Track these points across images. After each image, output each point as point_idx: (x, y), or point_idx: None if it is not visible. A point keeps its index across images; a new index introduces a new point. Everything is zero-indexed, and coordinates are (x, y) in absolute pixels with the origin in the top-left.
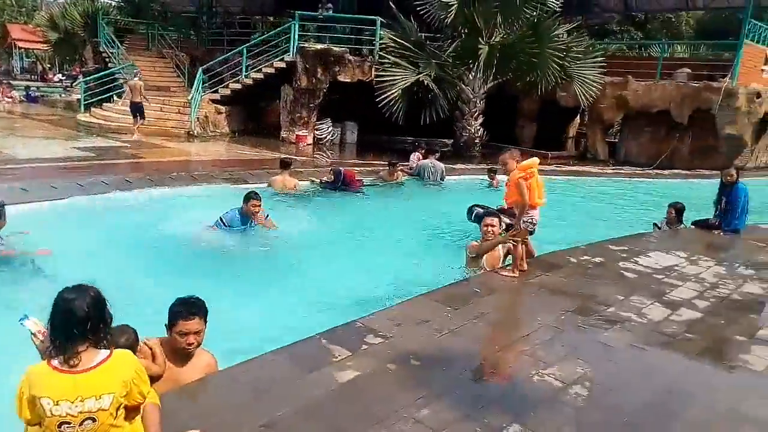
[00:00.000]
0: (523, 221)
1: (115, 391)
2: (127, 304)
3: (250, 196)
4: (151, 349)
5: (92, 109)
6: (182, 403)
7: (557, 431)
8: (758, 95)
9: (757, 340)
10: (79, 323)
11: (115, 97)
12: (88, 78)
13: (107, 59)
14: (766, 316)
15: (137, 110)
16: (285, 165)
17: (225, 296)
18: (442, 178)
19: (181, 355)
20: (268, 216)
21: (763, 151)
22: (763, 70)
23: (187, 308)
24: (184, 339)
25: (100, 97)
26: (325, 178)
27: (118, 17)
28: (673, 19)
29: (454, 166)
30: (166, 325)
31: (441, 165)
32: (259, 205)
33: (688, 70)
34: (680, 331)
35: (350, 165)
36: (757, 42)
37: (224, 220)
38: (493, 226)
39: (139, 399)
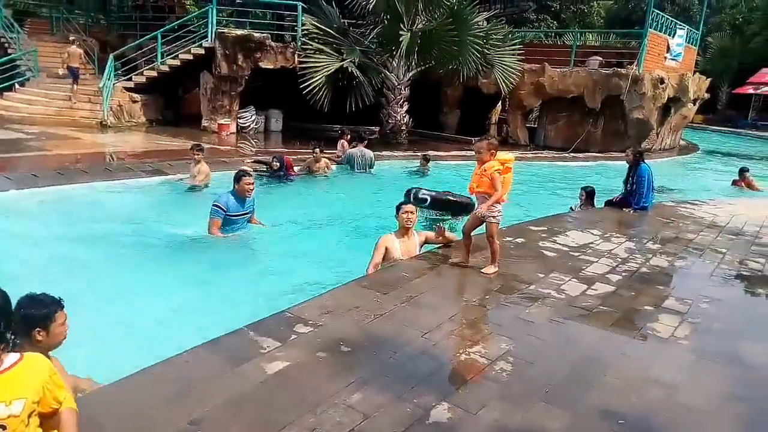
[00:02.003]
0: (487, 215)
1: (27, 397)
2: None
3: (241, 175)
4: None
5: None
6: (103, 406)
7: (484, 406)
8: (662, 81)
9: (664, 309)
10: None
11: (17, 86)
12: None
13: (6, 45)
14: (672, 286)
15: (72, 74)
16: (201, 148)
17: (145, 293)
18: (371, 166)
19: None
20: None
21: (668, 134)
22: (666, 57)
23: (56, 300)
24: (64, 327)
25: None
26: (261, 165)
27: None
28: (585, 9)
29: (381, 153)
30: (38, 329)
31: (370, 153)
32: (252, 183)
33: (600, 58)
34: (596, 305)
35: (277, 153)
36: (660, 31)
37: (220, 205)
38: (412, 213)
39: (54, 405)
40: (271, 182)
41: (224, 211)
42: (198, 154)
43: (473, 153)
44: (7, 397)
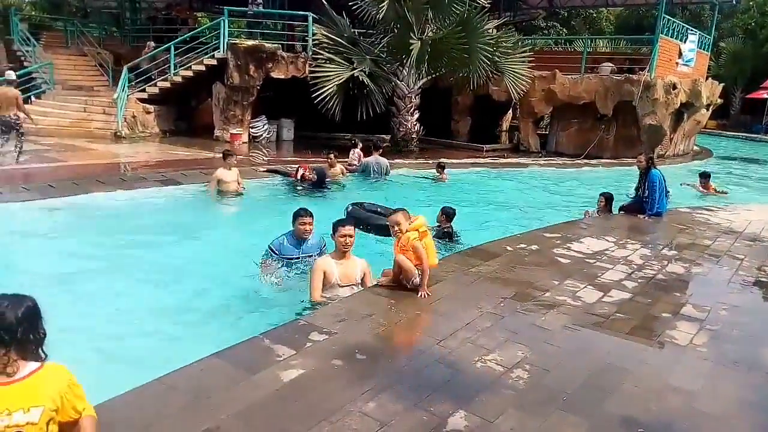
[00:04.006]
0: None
1: (45, 404)
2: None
3: (298, 214)
4: None
5: None
6: (117, 414)
7: (500, 414)
8: (674, 86)
9: (681, 316)
10: (6, 330)
11: (33, 98)
12: (1, 79)
13: (22, 58)
14: (689, 293)
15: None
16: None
17: (161, 301)
18: (387, 174)
19: None
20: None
21: (681, 140)
22: (677, 62)
23: None
24: None
25: None
26: (302, 175)
27: (33, 13)
28: (595, 15)
29: (393, 161)
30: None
31: (385, 161)
32: (310, 223)
33: (611, 65)
34: (612, 312)
35: (289, 162)
36: (671, 36)
37: (274, 249)
38: (351, 236)
39: (73, 415)
40: (274, 193)
41: (276, 253)
42: (235, 161)
43: (391, 227)
44: (26, 405)
